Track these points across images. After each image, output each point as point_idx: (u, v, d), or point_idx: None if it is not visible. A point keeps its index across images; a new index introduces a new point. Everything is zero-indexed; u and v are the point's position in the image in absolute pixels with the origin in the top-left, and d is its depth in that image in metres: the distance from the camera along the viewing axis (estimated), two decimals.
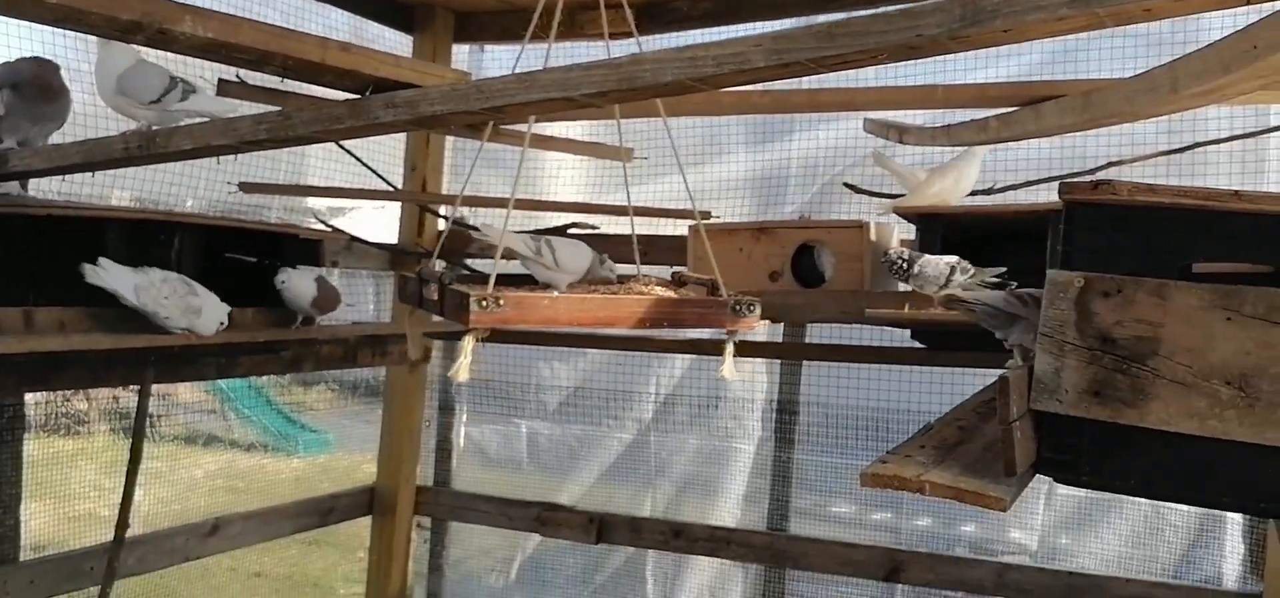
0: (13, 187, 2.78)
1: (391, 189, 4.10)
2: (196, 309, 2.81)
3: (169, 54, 2.33)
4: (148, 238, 3.03)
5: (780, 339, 4.10)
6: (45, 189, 3.12)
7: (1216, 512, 3.53)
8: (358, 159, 3.88)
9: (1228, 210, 1.42)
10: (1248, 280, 1.39)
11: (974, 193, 3.30)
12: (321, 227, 3.84)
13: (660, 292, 2.26)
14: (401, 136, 4.29)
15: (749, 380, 4.31)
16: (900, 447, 1.65)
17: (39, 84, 2.71)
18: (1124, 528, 3.84)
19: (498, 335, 2.02)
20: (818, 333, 3.98)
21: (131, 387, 3.29)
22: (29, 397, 3.51)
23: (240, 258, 3.29)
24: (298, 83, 3.14)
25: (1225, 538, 3.68)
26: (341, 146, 3.71)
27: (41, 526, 3.85)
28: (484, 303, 1.88)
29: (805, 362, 4.19)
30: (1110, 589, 3.60)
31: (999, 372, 1.43)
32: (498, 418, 4.78)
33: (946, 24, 1.19)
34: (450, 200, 4.13)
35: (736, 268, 3.15)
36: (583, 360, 4.65)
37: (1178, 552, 3.78)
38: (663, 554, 4.42)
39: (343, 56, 2.39)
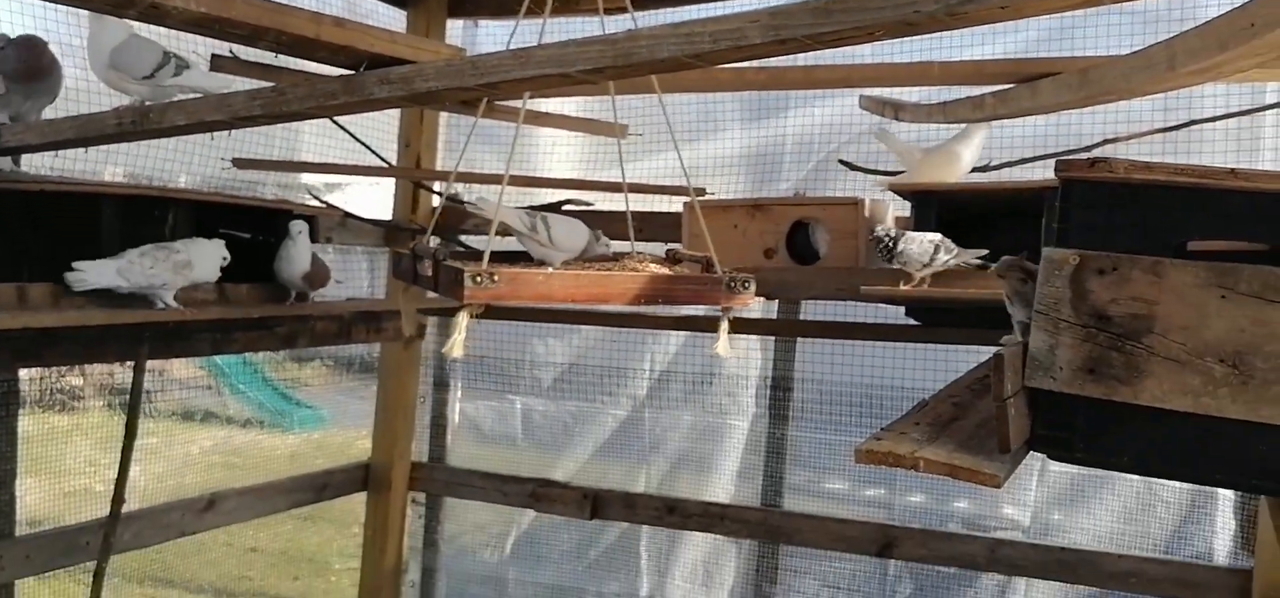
0: (5, 162, 2.78)
1: (386, 165, 4.09)
2: (186, 262, 2.79)
3: (162, 29, 2.31)
4: (141, 214, 3.02)
5: (775, 316, 4.10)
6: (38, 165, 3.11)
7: (1208, 488, 3.55)
8: (352, 135, 3.87)
9: (1223, 188, 1.42)
10: (1243, 258, 1.39)
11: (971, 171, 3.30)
12: (316, 203, 3.84)
13: (655, 268, 2.25)
14: (396, 113, 4.28)
15: (743, 357, 4.31)
16: (895, 423, 1.65)
17: (28, 70, 2.70)
18: (1116, 504, 3.86)
19: (492, 312, 2.02)
20: (812, 310, 3.98)
21: (126, 363, 3.28)
22: (23, 372, 3.50)
23: (234, 234, 3.28)
24: (292, 58, 3.12)
25: (1217, 514, 3.69)
26: (336, 122, 3.69)
27: (37, 501, 3.86)
28: (478, 279, 1.88)
29: (800, 338, 4.20)
30: (1102, 565, 3.62)
31: (993, 349, 1.43)
32: (492, 394, 4.78)
33: (943, 1, 1.18)
34: (444, 176, 4.12)
35: (731, 245, 3.15)
36: (577, 337, 4.65)
37: (1170, 528, 3.80)
38: (657, 530, 4.44)
39: (337, 32, 2.37)
